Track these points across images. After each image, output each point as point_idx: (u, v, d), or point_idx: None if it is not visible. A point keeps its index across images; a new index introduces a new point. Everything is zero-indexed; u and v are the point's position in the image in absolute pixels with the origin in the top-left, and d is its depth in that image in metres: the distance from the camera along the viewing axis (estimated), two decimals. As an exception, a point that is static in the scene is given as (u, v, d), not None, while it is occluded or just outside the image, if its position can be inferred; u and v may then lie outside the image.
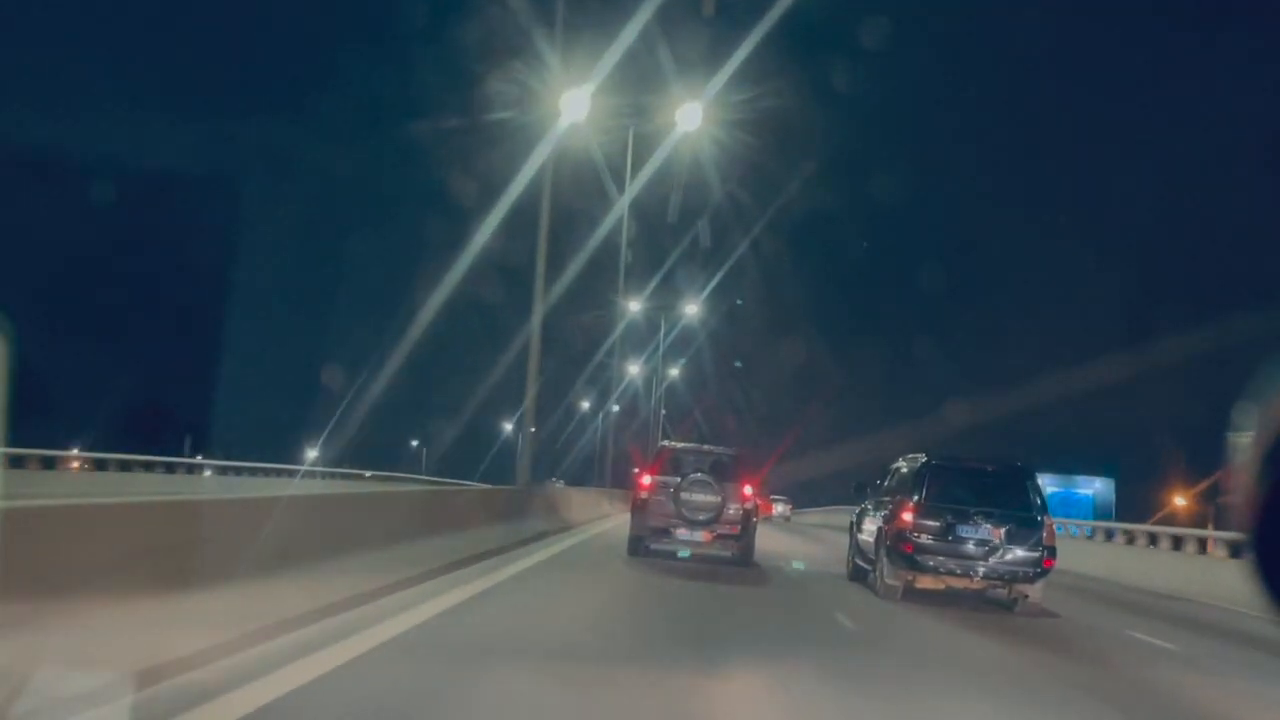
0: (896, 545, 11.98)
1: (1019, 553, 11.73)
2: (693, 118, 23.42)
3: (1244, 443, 1.67)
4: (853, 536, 14.66)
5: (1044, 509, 12.06)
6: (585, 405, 49.70)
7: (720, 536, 13.71)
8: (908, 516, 11.94)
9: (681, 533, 13.67)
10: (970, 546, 11.79)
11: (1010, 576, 11.79)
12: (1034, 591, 11.94)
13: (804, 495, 57.57)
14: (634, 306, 35.63)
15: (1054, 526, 12.14)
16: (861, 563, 13.84)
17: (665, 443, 15.82)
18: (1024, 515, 11.92)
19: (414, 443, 66.13)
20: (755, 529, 14.28)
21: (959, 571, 11.84)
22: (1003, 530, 11.75)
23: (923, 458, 12.46)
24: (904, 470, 12.98)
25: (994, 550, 11.74)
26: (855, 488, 14.62)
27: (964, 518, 11.83)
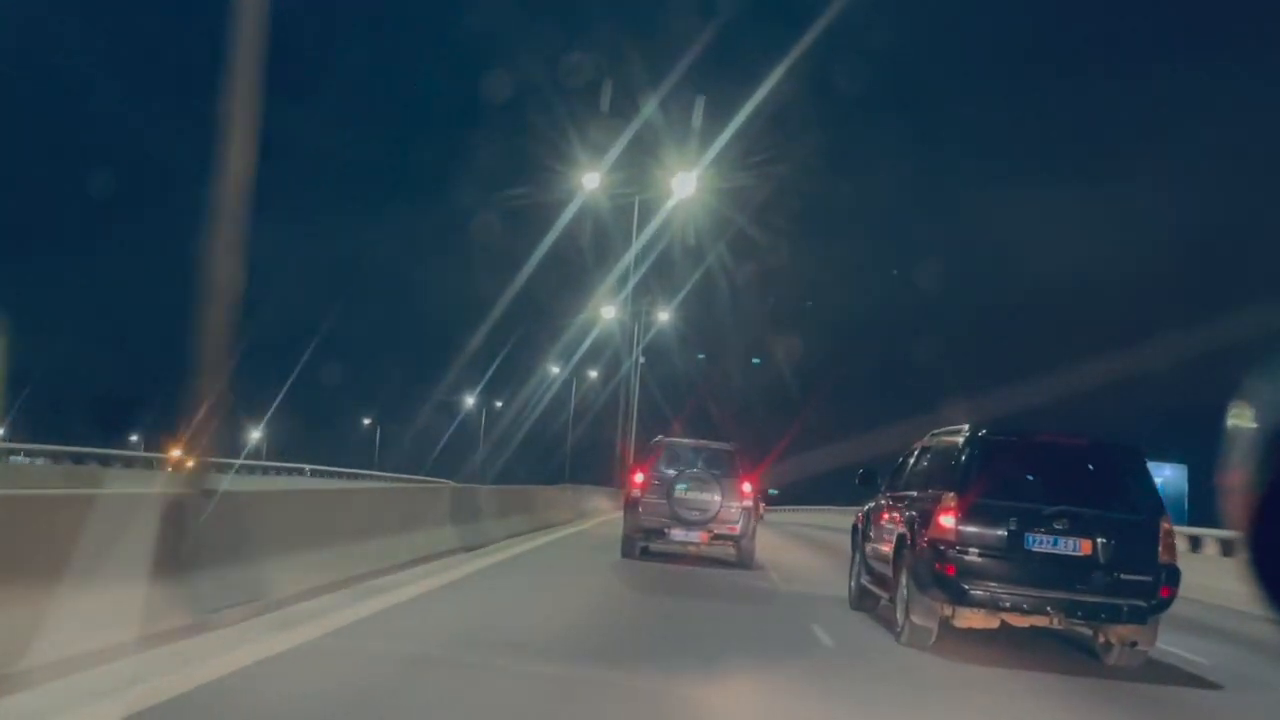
0: (930, 564, 7.74)
1: (1123, 576, 7.49)
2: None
3: (1242, 439, 1.60)
4: (858, 547, 10.40)
5: (1159, 507, 7.80)
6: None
7: (718, 537, 12.77)
8: (948, 521, 7.70)
9: (677, 533, 12.75)
10: (1046, 566, 7.56)
11: (1109, 614, 7.54)
12: (1145, 636, 7.70)
13: (786, 494, 54.45)
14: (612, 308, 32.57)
15: (1174, 533, 7.86)
16: (872, 585, 9.61)
17: (659, 437, 14.36)
18: (1130, 518, 7.70)
19: (366, 420, 62.06)
20: (756, 529, 13.18)
21: (1027, 606, 7.59)
22: (1098, 540, 7.51)
23: (966, 430, 8.21)
24: (937, 451, 8.74)
25: (1084, 572, 7.52)
26: (862, 477, 10.37)
27: (1036, 521, 7.60)
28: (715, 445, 13.81)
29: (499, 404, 55.48)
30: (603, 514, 24.31)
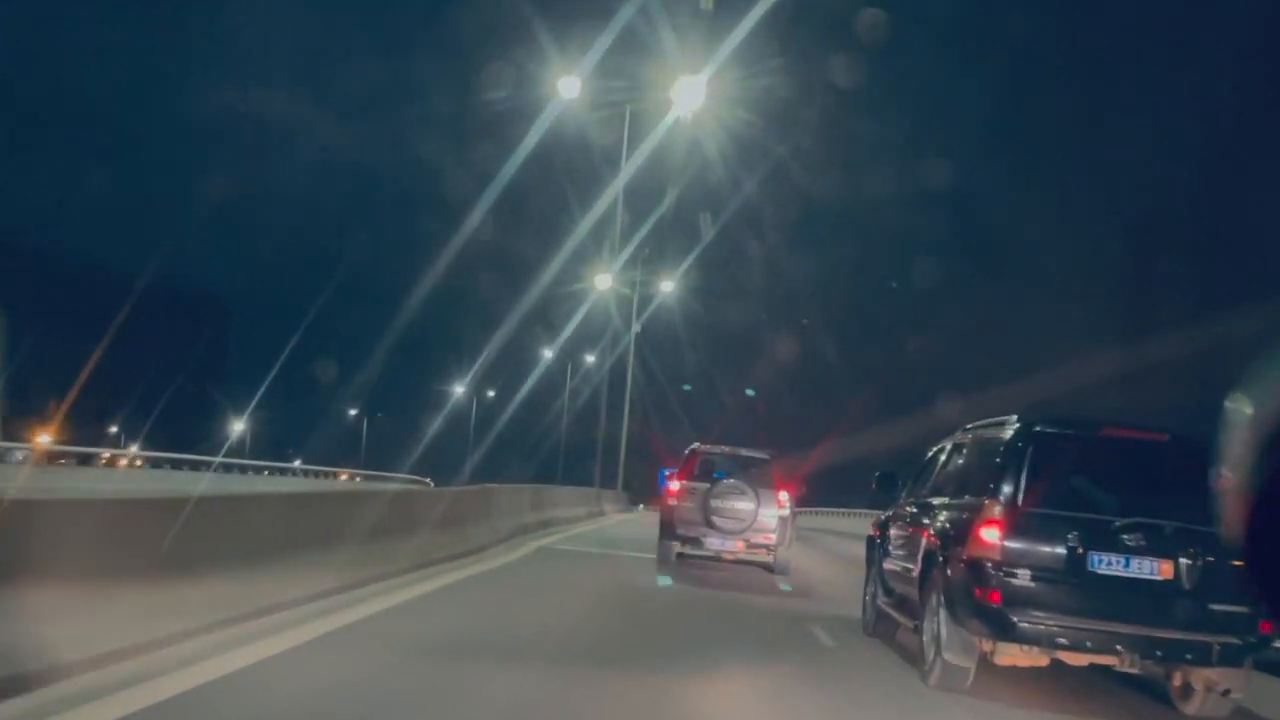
0: (968, 590, 6.20)
1: (1214, 606, 5.93)
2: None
3: (1237, 437, 1.57)
4: (874, 563, 8.88)
5: (1257, 520, 6.24)
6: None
7: (754, 546, 12.74)
8: (991, 535, 6.15)
9: (713, 541, 12.71)
10: (1116, 593, 6.01)
11: (1197, 654, 5.98)
12: (1237, 681, 6.14)
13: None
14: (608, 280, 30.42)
15: (1274, 554, 6.30)
16: (891, 608, 8.09)
17: (695, 445, 14.12)
18: (1219, 532, 6.13)
19: (352, 412, 60.19)
20: (792, 538, 13.09)
21: (1091, 644, 6.02)
22: (1181, 561, 5.97)
23: (1014, 422, 6.65)
24: (975, 449, 7.20)
25: (1165, 600, 5.97)
26: (879, 480, 8.84)
27: (1103, 537, 6.04)
28: (751, 453, 13.74)
29: (491, 393, 52.94)
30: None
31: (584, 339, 39.64)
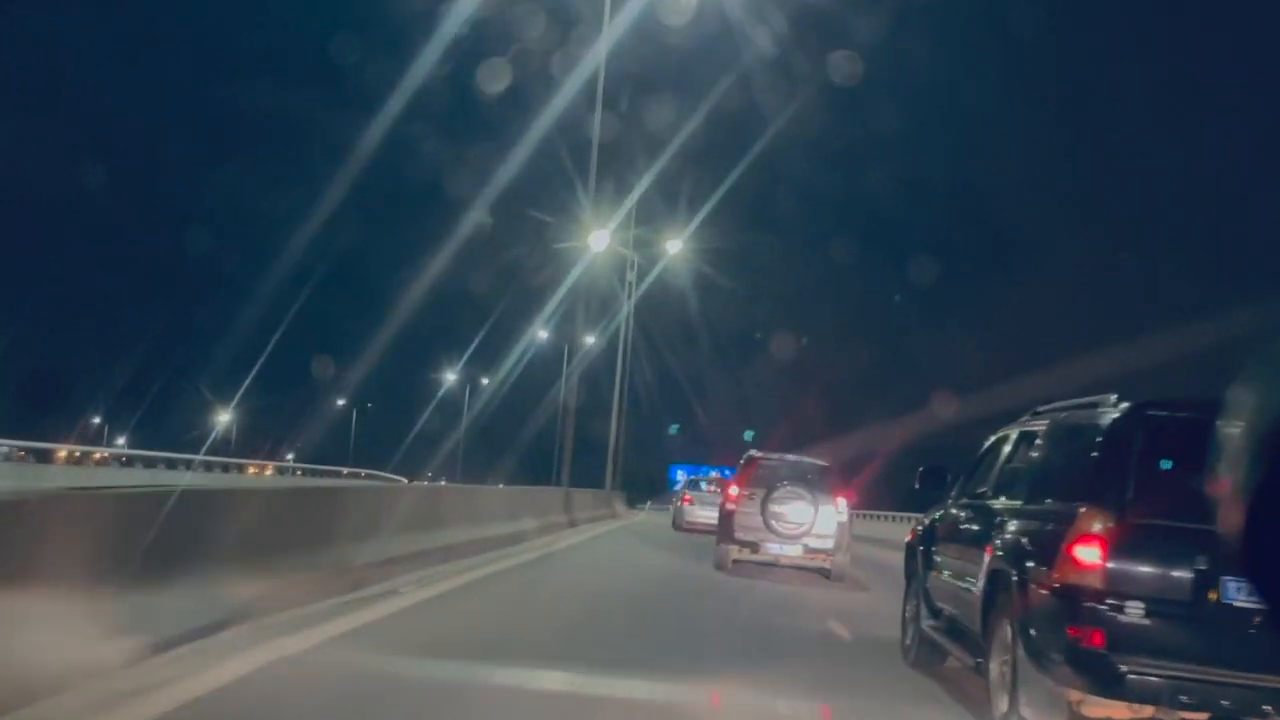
0: (1057, 626, 4.66)
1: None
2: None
3: (1235, 431, 1.47)
4: (915, 576, 7.34)
5: None
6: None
7: (812, 551, 12.96)
8: (1089, 554, 4.60)
9: (771, 546, 12.97)
10: (1258, 632, 4.45)
11: (1375, 717, 4.43)
12: None
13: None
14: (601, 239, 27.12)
15: None
16: (939, 635, 6.56)
17: (752, 452, 14.37)
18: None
19: (340, 402, 58.06)
20: (849, 544, 13.18)
21: (1230, 702, 4.47)
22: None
23: (1116, 404, 5.08)
24: (1055, 438, 5.63)
25: (1329, 646, 4.42)
26: (924, 476, 7.28)
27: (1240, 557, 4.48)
28: (809, 461, 14.00)
29: (484, 380, 50.01)
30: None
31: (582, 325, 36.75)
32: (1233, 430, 1.59)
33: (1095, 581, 4.57)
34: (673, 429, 58.70)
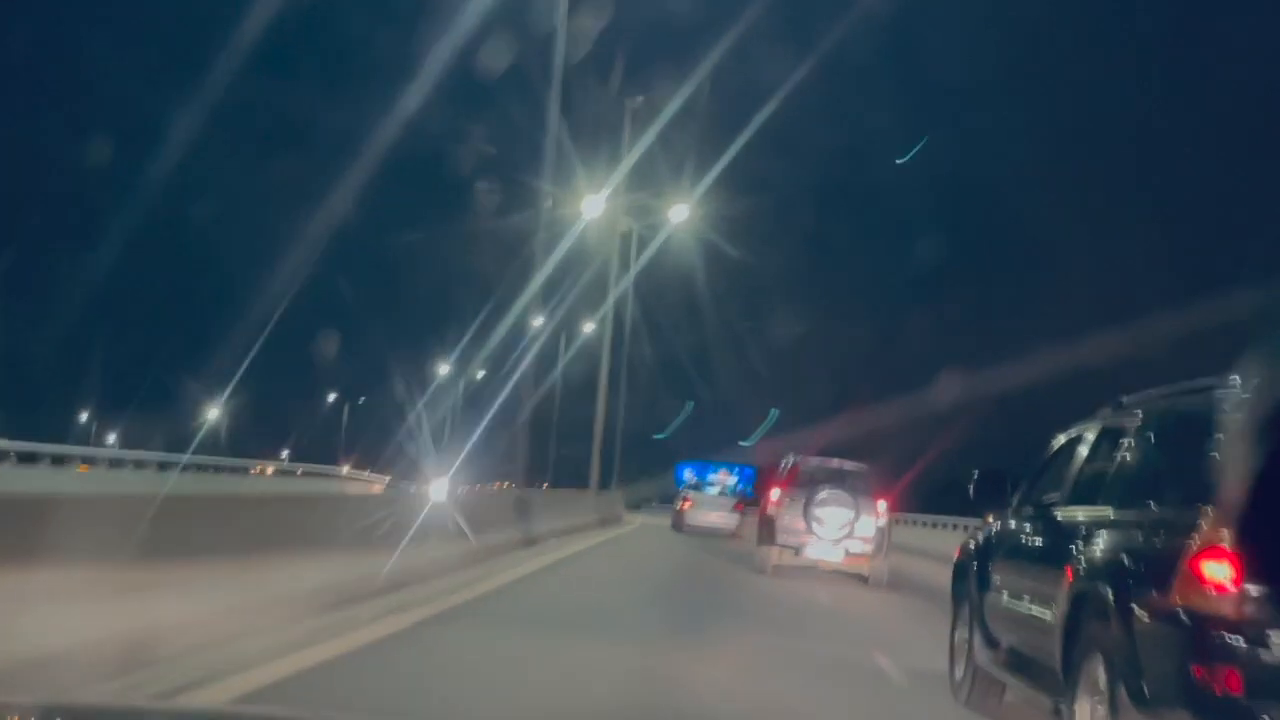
0: (1177, 663, 3.66)
1: None
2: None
3: (1236, 415, 1.52)
4: (967, 598, 6.32)
5: None
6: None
7: (853, 555, 13.06)
8: (1219, 572, 3.60)
9: (811, 550, 13.09)
10: None
11: None
12: None
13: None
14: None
15: None
16: (1001, 669, 5.56)
17: (794, 456, 14.41)
18: None
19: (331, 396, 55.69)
20: (889, 548, 13.41)
21: None
22: None
23: (1238, 387, 4.08)
24: (1155, 432, 4.64)
25: None
26: (981, 483, 6.28)
27: None
28: (851, 465, 14.11)
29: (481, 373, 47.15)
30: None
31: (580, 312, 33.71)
32: None
33: (1228, 607, 3.58)
34: (684, 410, 56.39)
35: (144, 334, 61.98)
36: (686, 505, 24.94)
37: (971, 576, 6.25)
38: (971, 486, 6.18)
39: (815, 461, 14.27)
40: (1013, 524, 5.88)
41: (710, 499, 25.60)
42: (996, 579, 5.84)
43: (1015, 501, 5.99)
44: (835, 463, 14.23)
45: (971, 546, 6.46)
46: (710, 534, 23.52)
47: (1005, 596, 5.61)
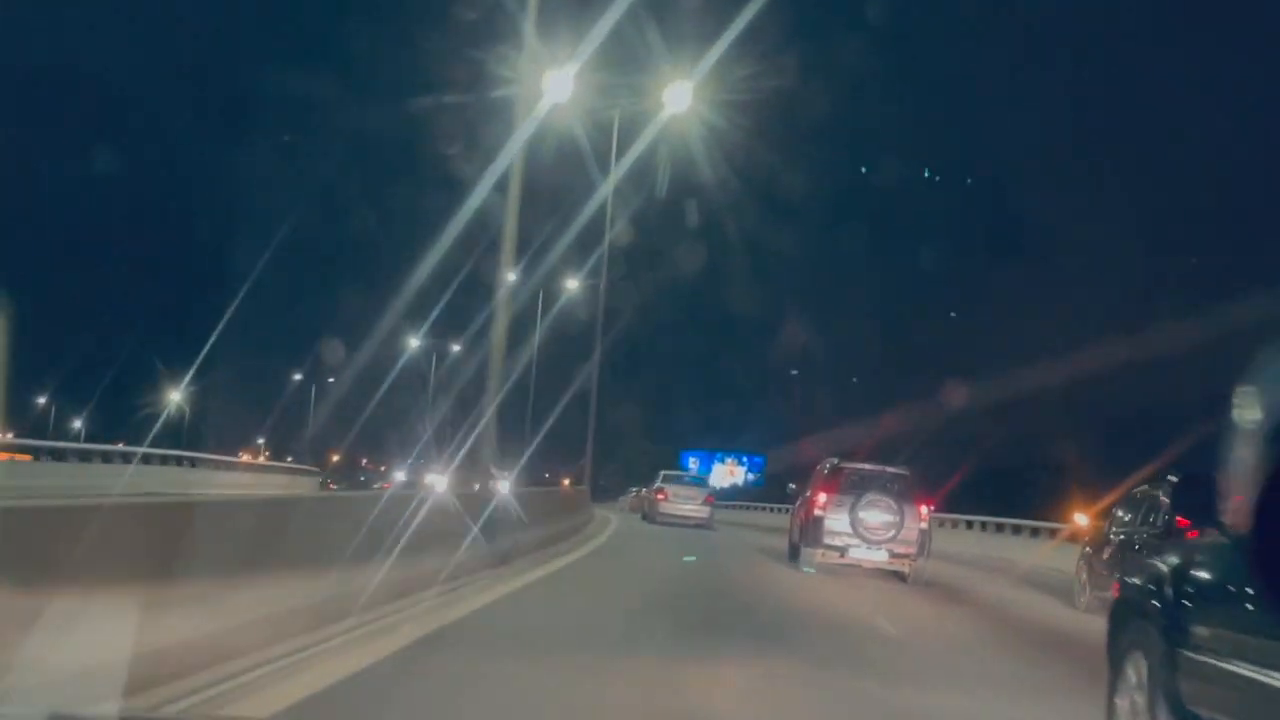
0: None
1: None
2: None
3: (1244, 433, 1.50)
4: (1148, 659, 4.55)
5: None
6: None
7: (896, 556, 13.73)
8: None
9: (856, 551, 13.75)
10: None
11: None
12: None
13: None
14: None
15: None
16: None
17: (836, 461, 14.88)
18: None
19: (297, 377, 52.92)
20: (930, 550, 14.09)
21: None
22: None
23: None
24: None
25: None
26: (1181, 488, 4.57)
27: None
28: (893, 470, 14.76)
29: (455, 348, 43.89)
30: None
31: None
32: None
33: None
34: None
35: (100, 321, 59.00)
36: (661, 497, 26.38)
37: (1151, 628, 4.48)
38: (1170, 494, 4.43)
39: (859, 466, 14.80)
40: (1219, 552, 4.13)
41: (684, 492, 27.18)
42: (1200, 632, 4.08)
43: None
44: (878, 468, 14.78)
45: (1146, 583, 4.68)
46: (682, 524, 25.01)
47: (1227, 661, 3.86)
